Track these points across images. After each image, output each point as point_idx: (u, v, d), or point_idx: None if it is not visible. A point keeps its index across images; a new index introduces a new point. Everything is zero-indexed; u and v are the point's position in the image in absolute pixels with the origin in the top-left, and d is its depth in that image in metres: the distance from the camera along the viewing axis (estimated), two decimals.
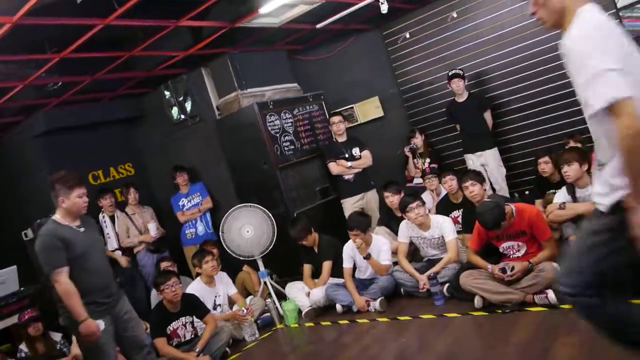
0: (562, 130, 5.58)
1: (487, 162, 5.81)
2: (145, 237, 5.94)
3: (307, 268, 5.33)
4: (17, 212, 6.47)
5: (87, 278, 3.36)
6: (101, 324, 3.34)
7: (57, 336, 4.74)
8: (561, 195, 4.35)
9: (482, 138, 5.85)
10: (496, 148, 5.87)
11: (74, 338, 4.42)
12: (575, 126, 5.51)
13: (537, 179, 5.18)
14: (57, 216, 3.47)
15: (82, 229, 3.48)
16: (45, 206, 6.01)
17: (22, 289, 5.32)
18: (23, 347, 4.57)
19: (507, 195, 5.68)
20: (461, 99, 5.90)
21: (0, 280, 5.12)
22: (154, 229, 5.94)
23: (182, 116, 6.63)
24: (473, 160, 5.88)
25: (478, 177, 4.62)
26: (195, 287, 5.03)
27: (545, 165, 4.88)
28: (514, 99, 5.98)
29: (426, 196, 5.54)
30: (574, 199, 4.26)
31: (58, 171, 5.98)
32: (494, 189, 5.77)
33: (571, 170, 4.19)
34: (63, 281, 3.27)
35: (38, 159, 6.27)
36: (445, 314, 4.09)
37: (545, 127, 5.84)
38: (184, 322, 4.61)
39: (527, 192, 5.61)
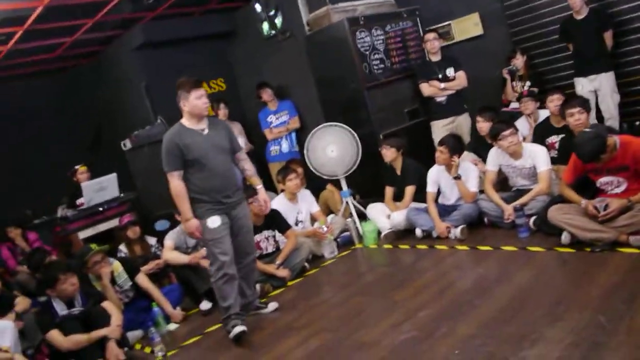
0: None
1: (601, 87, 5.25)
2: None
3: (389, 190, 5.28)
4: (117, 123, 6.85)
5: (204, 179, 3.55)
6: (217, 220, 3.54)
7: (152, 240, 5.09)
8: None
9: (599, 60, 5.24)
10: (613, 72, 5.28)
11: (166, 243, 4.74)
12: None
13: None
14: (183, 119, 3.63)
15: (205, 132, 3.61)
16: (142, 117, 6.35)
17: (121, 195, 5.73)
18: (123, 247, 4.96)
19: (617, 125, 5.19)
20: (580, 15, 5.28)
21: (102, 186, 5.52)
22: (242, 142, 6.05)
23: (273, 31, 6.56)
24: (583, 85, 5.34)
25: (585, 105, 4.24)
26: (278, 203, 5.15)
27: None
28: (636, 17, 5.28)
29: (521, 122, 5.20)
30: None
31: (153, 83, 6.31)
32: (601, 118, 5.28)
33: None
34: (173, 183, 3.53)
35: (136, 72, 6.52)
36: (529, 248, 3.91)
37: None
38: (266, 236, 4.77)
39: (637, 123, 5.08)
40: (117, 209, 5.60)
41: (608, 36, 5.22)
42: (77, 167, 5.94)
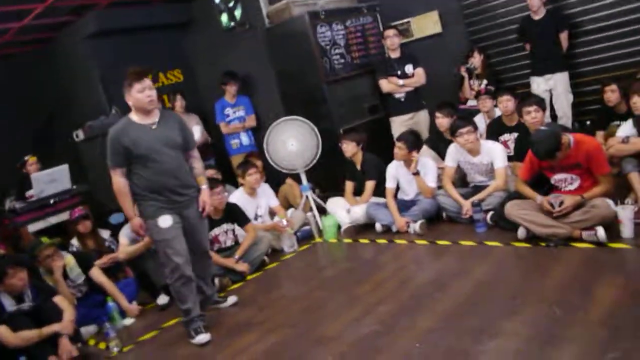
0: (638, 57, 5.10)
1: (556, 86, 5.41)
2: None
3: (349, 185, 5.29)
4: (69, 113, 6.61)
5: (153, 176, 3.36)
6: (168, 219, 3.38)
7: (105, 234, 4.93)
8: (626, 128, 4.04)
9: (555, 60, 5.40)
10: (567, 72, 5.44)
11: (120, 240, 4.60)
12: None
13: (601, 109, 4.82)
14: (132, 113, 3.44)
15: (154, 126, 3.40)
16: (96, 107, 6.16)
17: (73, 187, 5.53)
18: (74, 241, 4.79)
19: (570, 124, 5.35)
20: (537, 16, 5.41)
21: (53, 177, 5.32)
22: (198, 132, 5.95)
23: (232, 23, 6.45)
24: (539, 84, 5.49)
25: (541, 104, 4.36)
26: (238, 197, 5.09)
27: (611, 94, 4.51)
28: (589, 20, 5.44)
29: (479, 119, 5.31)
30: None
31: (107, 73, 6.10)
32: (555, 117, 5.44)
33: None
34: (115, 180, 3.38)
35: (89, 61, 6.30)
36: (486, 242, 3.99)
37: (620, 52, 5.31)
38: (225, 229, 4.70)
39: (588, 122, 5.25)
40: (68, 202, 5.41)
41: (564, 37, 5.38)
42: (26, 157, 5.71)
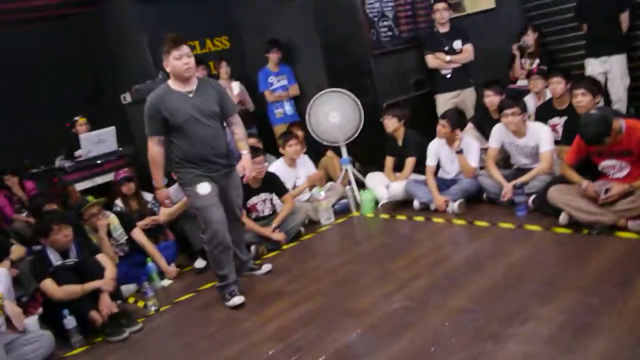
0: None
1: (612, 69, 5.17)
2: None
3: (389, 160, 5.25)
4: (117, 77, 6.74)
5: (189, 146, 3.39)
6: (206, 186, 3.41)
7: (148, 196, 5.05)
8: None
9: (612, 41, 5.15)
10: (625, 55, 5.19)
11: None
12: None
13: None
14: (170, 81, 3.44)
15: (191, 95, 3.40)
16: (143, 71, 6.25)
17: (120, 149, 5.68)
18: (119, 202, 4.94)
19: (625, 109, 5.13)
20: None
21: (100, 139, 5.48)
22: (237, 87, 5.97)
23: None
24: (594, 66, 5.26)
25: (593, 87, 4.16)
26: (277, 167, 5.14)
27: None
28: None
29: (529, 99, 5.14)
30: None
31: (155, 38, 6.16)
32: (609, 101, 5.21)
33: None
34: (151, 149, 3.43)
35: (137, 25, 6.35)
36: (526, 226, 3.91)
37: None
38: (263, 198, 4.75)
39: None
40: (114, 163, 5.57)
41: (624, 17, 5.12)
42: (76, 118, 5.87)
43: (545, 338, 2.47)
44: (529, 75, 5.41)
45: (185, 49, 3.33)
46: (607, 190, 3.50)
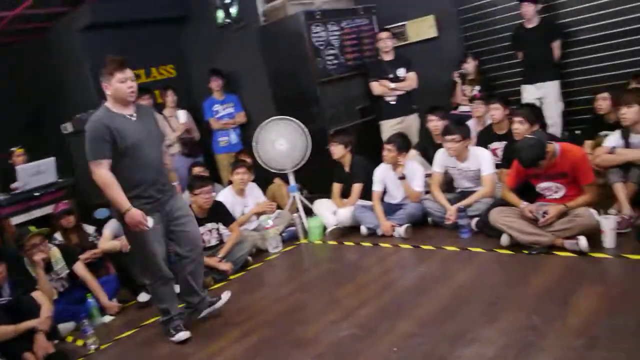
0: (631, 69, 5.10)
1: (546, 95, 5.41)
2: (178, 129, 5.94)
3: (336, 187, 5.27)
4: (59, 106, 6.57)
5: (137, 171, 3.23)
6: (150, 220, 3.23)
7: (90, 229, 4.89)
8: (613, 139, 4.04)
9: (546, 69, 5.40)
10: (558, 81, 5.44)
11: (104, 232, 4.58)
12: None
13: (592, 118, 4.84)
14: (108, 103, 3.25)
15: (134, 118, 3.26)
16: (86, 101, 6.12)
17: (60, 180, 5.49)
18: (58, 235, 4.75)
19: (559, 133, 5.35)
20: (530, 24, 5.42)
21: (39, 170, 5.28)
22: (183, 116, 5.94)
23: (227, 20, 6.44)
24: (530, 92, 5.49)
25: (531, 115, 4.26)
26: (226, 196, 5.07)
27: (602, 102, 4.52)
28: (583, 30, 5.44)
29: (471, 123, 5.29)
30: (627, 145, 3.95)
31: (99, 66, 6.06)
32: (545, 125, 5.42)
33: (630, 113, 3.86)
34: (100, 173, 3.13)
35: (81, 53, 6.26)
36: (470, 248, 3.99)
37: (612, 63, 5.30)
38: (209, 228, 4.67)
39: (577, 132, 5.25)
40: (53, 195, 5.35)
41: (556, 46, 5.38)
42: (13, 149, 5.66)
43: (490, 359, 2.49)
44: (472, 100, 5.58)
45: (129, 72, 3.21)
46: (544, 214, 3.61)
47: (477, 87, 5.85)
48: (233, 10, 6.38)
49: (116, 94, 3.20)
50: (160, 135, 3.47)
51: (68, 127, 5.98)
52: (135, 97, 3.30)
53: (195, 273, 3.60)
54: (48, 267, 4.11)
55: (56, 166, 5.47)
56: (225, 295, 3.75)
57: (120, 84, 3.17)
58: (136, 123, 3.26)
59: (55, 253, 4.20)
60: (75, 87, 6.39)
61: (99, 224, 4.89)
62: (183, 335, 3.42)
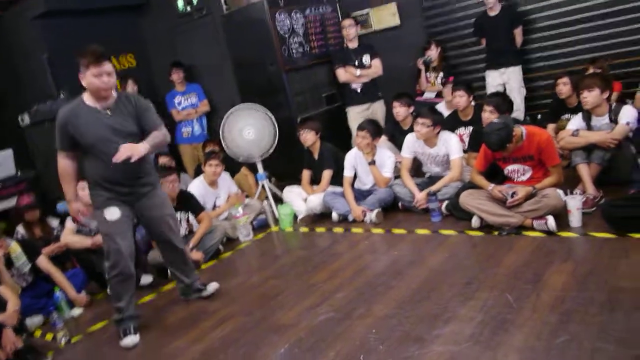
0: (588, 54, 5.26)
1: (509, 80, 5.54)
2: None
3: (306, 174, 5.27)
4: (15, 97, 6.32)
5: (101, 169, 3.14)
6: (115, 212, 3.18)
7: (54, 222, 4.75)
8: (576, 122, 4.17)
9: (509, 55, 5.54)
10: (520, 67, 5.58)
11: (66, 225, 4.46)
12: (601, 51, 5.21)
13: (553, 102, 4.98)
14: (85, 95, 3.15)
15: (108, 112, 3.13)
16: (44, 91, 5.91)
17: (18, 173, 5.29)
18: (20, 229, 4.59)
19: (522, 117, 5.48)
20: (493, 12, 5.54)
21: None
22: None
23: (188, 8, 6.33)
24: (493, 78, 5.62)
25: (502, 105, 4.31)
26: (197, 186, 5.01)
27: (563, 87, 4.68)
28: (542, 17, 5.59)
29: (441, 108, 5.37)
30: (589, 127, 4.08)
31: (56, 56, 5.85)
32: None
33: (590, 97, 3.98)
34: (60, 161, 3.19)
35: (36, 42, 6.02)
36: (441, 231, 4.05)
37: (570, 49, 5.48)
38: (179, 218, 4.59)
39: (539, 116, 5.40)
40: (13, 188, 5.18)
41: (518, 32, 5.51)
42: None
43: (468, 336, 2.55)
44: (444, 84, 5.65)
45: (106, 66, 3.05)
46: (513, 194, 3.70)
47: (441, 74, 5.94)
48: None
49: (90, 87, 3.09)
50: (140, 127, 3.23)
51: (25, 119, 5.76)
52: (110, 93, 3.15)
53: (177, 267, 3.66)
54: (9, 262, 3.95)
55: (14, 159, 5.27)
56: (213, 286, 3.74)
57: (94, 78, 3.04)
58: (108, 119, 3.12)
59: (15, 248, 4.04)
60: (31, 78, 6.15)
61: (63, 217, 4.75)
62: (130, 341, 3.29)
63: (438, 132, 4.52)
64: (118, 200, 3.22)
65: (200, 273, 4.29)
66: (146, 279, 4.30)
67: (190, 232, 4.62)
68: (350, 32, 5.74)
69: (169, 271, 3.90)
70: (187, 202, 4.64)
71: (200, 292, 3.73)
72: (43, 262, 4.08)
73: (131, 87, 6.02)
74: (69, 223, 4.44)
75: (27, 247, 4.10)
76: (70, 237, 4.39)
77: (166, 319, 3.52)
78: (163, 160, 5.40)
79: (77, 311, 4.05)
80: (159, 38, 6.82)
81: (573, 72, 4.88)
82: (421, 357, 2.48)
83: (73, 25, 6.10)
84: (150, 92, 6.56)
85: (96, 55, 3.03)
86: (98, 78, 3.04)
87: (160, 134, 3.27)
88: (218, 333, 3.19)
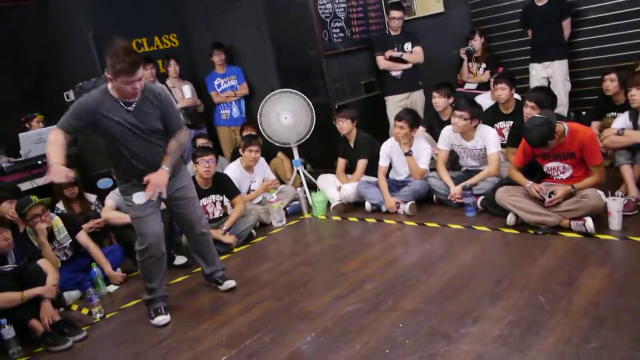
0: (638, 50, 5.06)
1: (554, 74, 5.38)
2: (182, 102, 5.91)
3: (341, 162, 5.25)
4: (61, 73, 6.47)
5: (124, 162, 3.16)
6: (141, 196, 3.19)
7: (92, 198, 4.87)
8: (621, 120, 4.03)
9: (555, 47, 5.36)
10: (566, 60, 5.40)
11: (107, 202, 4.58)
12: None
13: (599, 99, 4.81)
14: (110, 85, 3.05)
15: (131, 108, 3.07)
16: (88, 69, 6.03)
17: None
18: (60, 205, 4.73)
19: (566, 113, 5.33)
20: (541, 2, 5.36)
21: (42, 137, 5.20)
22: (188, 92, 5.92)
23: None
24: (537, 71, 5.46)
25: (544, 102, 4.12)
26: (234, 170, 5.06)
27: (610, 83, 4.51)
28: (592, 9, 5.38)
29: (485, 98, 5.26)
30: (635, 126, 3.93)
31: (101, 34, 5.94)
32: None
33: (639, 94, 3.84)
34: (54, 135, 3.06)
35: (82, 20, 6.13)
36: (475, 227, 4.00)
37: (620, 44, 5.27)
38: (213, 200, 4.67)
39: (584, 113, 5.23)
40: None
41: (566, 25, 5.33)
42: (34, 114, 5.59)
43: (496, 337, 2.52)
44: (492, 75, 5.52)
45: (139, 73, 2.95)
46: (551, 193, 3.62)
47: (484, 65, 5.81)
48: None
49: (119, 91, 3.02)
50: (162, 126, 3.20)
51: (70, 95, 5.88)
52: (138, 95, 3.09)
53: (200, 250, 3.68)
54: (50, 236, 4.08)
55: None
56: (228, 284, 3.69)
57: (125, 85, 2.96)
58: (132, 114, 3.08)
59: (58, 222, 4.17)
60: (77, 55, 6.28)
61: (101, 194, 4.88)
62: (162, 319, 3.37)
63: (476, 126, 4.43)
64: (140, 186, 3.20)
65: (232, 256, 4.39)
66: (180, 260, 4.39)
67: (225, 215, 4.68)
68: (398, 24, 5.66)
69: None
70: (222, 185, 4.69)
71: (217, 285, 3.74)
72: (83, 237, 4.21)
73: (173, 67, 6.08)
74: (109, 201, 4.57)
75: (69, 222, 4.23)
76: (110, 212, 4.50)
77: (196, 301, 3.60)
78: (201, 141, 5.47)
79: (112, 288, 4.18)
80: (202, 19, 6.85)
81: (621, 68, 4.69)
82: (447, 355, 2.46)
83: (118, 5, 6.18)
84: (190, 72, 6.64)
85: (130, 63, 2.90)
86: (129, 85, 2.96)
87: (180, 140, 3.29)
88: (246, 318, 3.24)
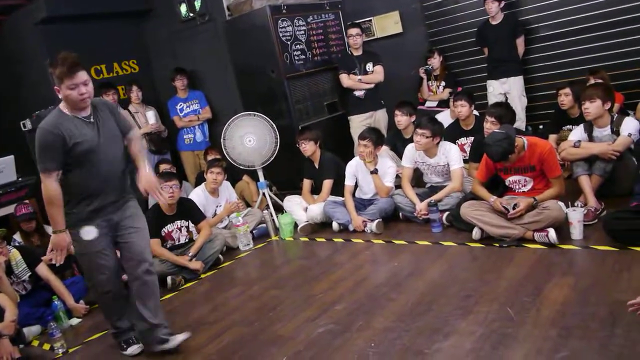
0: (590, 65, 5.25)
1: (511, 90, 5.54)
2: (145, 128, 5.84)
3: (306, 183, 5.25)
4: (17, 102, 6.33)
5: (87, 179, 2.92)
6: (92, 231, 2.95)
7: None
8: (577, 133, 4.16)
9: (510, 64, 5.54)
10: (522, 76, 5.58)
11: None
12: (602, 62, 5.20)
13: (555, 113, 4.96)
14: (62, 105, 2.89)
15: (91, 120, 2.92)
16: (46, 96, 5.89)
17: (19, 179, 5.28)
18: (17, 237, 4.59)
19: (524, 127, 5.47)
20: (495, 21, 5.55)
21: None
22: (152, 117, 5.88)
23: (191, 14, 6.33)
24: (494, 87, 5.62)
25: (505, 117, 4.23)
26: (198, 195, 5.00)
27: (565, 97, 4.67)
28: (543, 26, 5.59)
29: (445, 116, 5.35)
30: (590, 138, 4.07)
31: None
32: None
33: (592, 107, 3.98)
34: (48, 186, 2.84)
35: (38, 48, 6.02)
36: (442, 242, 4.03)
37: (572, 59, 5.48)
38: (179, 226, 4.58)
39: (541, 127, 5.39)
40: (14, 194, 5.14)
41: (520, 42, 5.51)
42: None
43: (468, 351, 2.53)
44: (451, 95, 5.64)
45: (81, 76, 2.79)
46: (515, 206, 3.69)
47: (443, 83, 5.94)
48: (197, 4, 6.26)
49: (67, 100, 2.85)
50: (120, 128, 3.09)
51: (27, 124, 5.75)
52: (88, 102, 2.91)
53: (142, 294, 3.10)
54: (8, 269, 3.94)
55: (15, 165, 5.25)
56: (181, 337, 3.15)
57: (70, 90, 2.79)
58: (92, 126, 2.92)
59: (15, 255, 4.03)
60: (34, 83, 6.15)
61: None
62: (137, 348, 3.23)
63: (438, 143, 4.50)
64: (95, 216, 2.99)
65: (199, 282, 4.31)
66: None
67: (191, 241, 4.60)
68: (357, 41, 5.73)
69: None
70: (187, 210, 4.62)
71: (163, 344, 3.13)
72: (43, 269, 4.08)
73: (136, 92, 6.03)
74: None
75: (27, 255, 4.10)
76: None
77: None
78: (164, 167, 5.40)
79: (75, 321, 4.04)
80: (162, 44, 6.83)
81: (574, 83, 4.86)
82: None
83: (75, 31, 6.10)
84: (153, 97, 6.58)
85: (68, 65, 2.75)
86: (74, 90, 2.79)
87: (138, 137, 3.30)
88: (216, 345, 3.17)
